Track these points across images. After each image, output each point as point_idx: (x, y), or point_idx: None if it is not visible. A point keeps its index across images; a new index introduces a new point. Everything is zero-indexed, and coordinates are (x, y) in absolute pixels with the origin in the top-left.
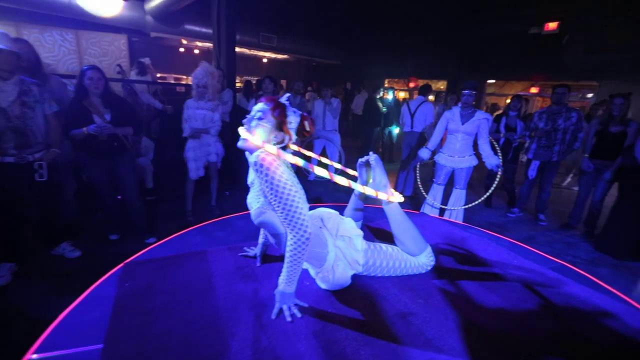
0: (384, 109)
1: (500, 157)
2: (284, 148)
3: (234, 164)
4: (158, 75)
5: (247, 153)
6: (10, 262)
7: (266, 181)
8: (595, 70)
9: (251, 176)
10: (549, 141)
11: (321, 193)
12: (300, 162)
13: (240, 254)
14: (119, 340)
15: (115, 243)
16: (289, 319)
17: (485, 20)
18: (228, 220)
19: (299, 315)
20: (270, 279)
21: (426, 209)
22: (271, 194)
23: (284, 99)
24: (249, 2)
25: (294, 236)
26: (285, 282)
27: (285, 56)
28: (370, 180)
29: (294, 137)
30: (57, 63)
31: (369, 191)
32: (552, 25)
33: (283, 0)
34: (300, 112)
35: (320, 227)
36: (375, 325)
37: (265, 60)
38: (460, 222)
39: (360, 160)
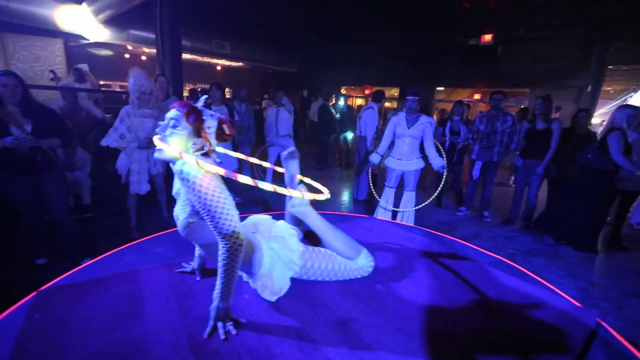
0: (338, 115)
1: (445, 158)
2: (206, 154)
3: None
4: (101, 82)
5: (170, 163)
6: None
7: (193, 189)
8: (527, 78)
9: (176, 186)
10: (489, 142)
11: (278, 203)
12: (221, 171)
13: (177, 270)
14: None
15: (43, 268)
16: (222, 337)
17: (428, 31)
18: (168, 234)
19: (234, 332)
20: (208, 294)
21: (379, 212)
22: (198, 202)
23: (200, 103)
24: (201, 8)
25: (226, 244)
26: (219, 295)
27: (240, 64)
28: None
29: (214, 142)
30: None
31: (281, 190)
32: (487, 38)
33: (236, 7)
34: (219, 115)
35: (254, 232)
36: (313, 335)
37: (219, 67)
38: (406, 224)
39: (283, 154)
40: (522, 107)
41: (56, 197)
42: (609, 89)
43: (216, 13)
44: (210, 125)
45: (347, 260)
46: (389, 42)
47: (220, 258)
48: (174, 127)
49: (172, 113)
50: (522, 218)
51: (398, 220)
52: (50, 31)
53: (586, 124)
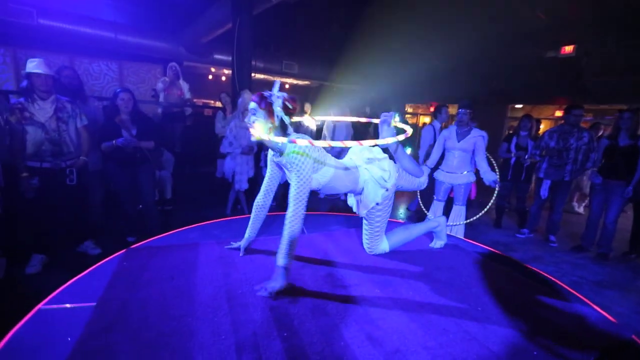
0: None
1: (498, 173)
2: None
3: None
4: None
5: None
6: (42, 254)
7: (293, 163)
8: (617, 92)
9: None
10: (561, 160)
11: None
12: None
13: (226, 246)
14: (107, 300)
15: (132, 244)
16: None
17: (500, 45)
18: (225, 221)
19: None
20: (247, 265)
21: None
22: (294, 168)
23: (275, 88)
24: (273, 33)
25: (295, 210)
26: (283, 255)
27: (307, 82)
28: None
29: (287, 118)
30: (101, 89)
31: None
32: (568, 49)
33: (304, 31)
34: (282, 95)
35: (350, 159)
36: (328, 308)
37: (287, 85)
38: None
39: (382, 115)
40: (594, 122)
41: (147, 188)
42: None
43: (286, 37)
44: (278, 104)
45: (415, 178)
46: (458, 57)
47: (286, 220)
48: (254, 114)
49: (251, 105)
50: (597, 245)
51: None
52: (154, 58)
53: None
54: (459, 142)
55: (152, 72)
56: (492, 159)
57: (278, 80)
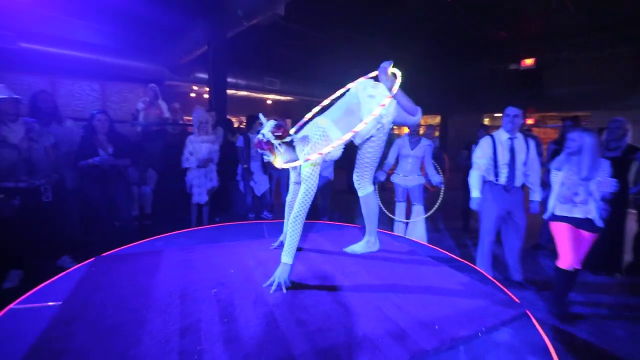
0: None
1: (442, 175)
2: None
3: (227, 193)
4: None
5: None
6: (19, 270)
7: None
8: (581, 101)
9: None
10: None
11: None
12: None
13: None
14: (72, 300)
15: None
16: (283, 290)
17: (467, 60)
18: (188, 231)
19: (284, 290)
20: (204, 268)
21: (396, 225)
22: (304, 180)
23: (260, 136)
24: (253, 52)
25: (298, 213)
26: (287, 253)
27: (289, 97)
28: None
29: (282, 145)
30: (83, 110)
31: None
32: (528, 62)
33: (284, 49)
34: (270, 128)
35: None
36: (269, 299)
37: (269, 102)
38: (394, 234)
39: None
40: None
41: (123, 204)
42: None
43: (267, 55)
44: (272, 139)
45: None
46: (430, 71)
47: (290, 222)
48: (265, 155)
49: (259, 151)
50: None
51: (408, 231)
52: (135, 78)
53: None
54: (412, 149)
55: (135, 92)
56: (436, 165)
57: (261, 114)
